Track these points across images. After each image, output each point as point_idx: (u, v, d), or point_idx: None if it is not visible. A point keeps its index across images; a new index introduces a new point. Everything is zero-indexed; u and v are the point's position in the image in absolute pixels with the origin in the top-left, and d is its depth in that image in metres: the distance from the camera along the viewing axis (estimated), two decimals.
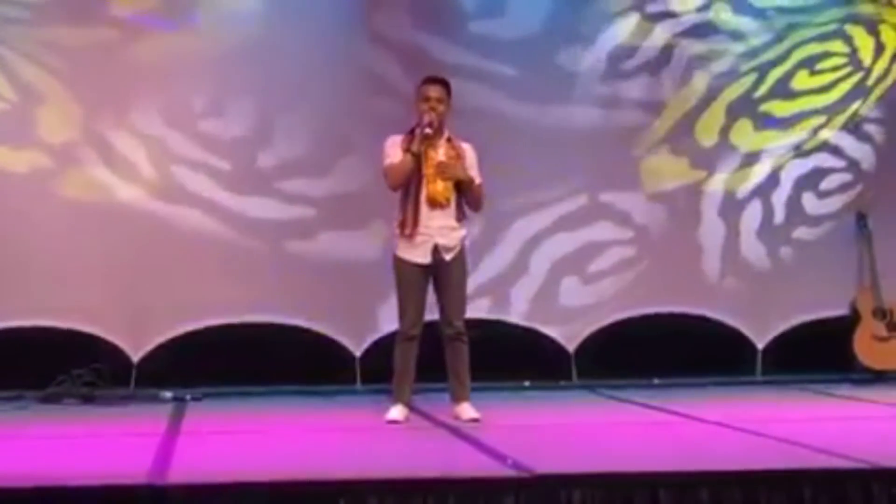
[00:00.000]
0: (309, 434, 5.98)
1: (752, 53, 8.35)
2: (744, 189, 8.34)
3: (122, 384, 7.48)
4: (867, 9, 8.49)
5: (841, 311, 8.30)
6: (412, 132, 6.20)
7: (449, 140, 6.25)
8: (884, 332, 8.22)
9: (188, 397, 7.30)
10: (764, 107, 8.37)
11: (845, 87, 8.44)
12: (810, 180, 8.43)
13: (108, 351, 7.61)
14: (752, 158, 8.36)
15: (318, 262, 7.81)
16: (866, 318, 8.21)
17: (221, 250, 7.77)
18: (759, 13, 8.38)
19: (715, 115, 8.31)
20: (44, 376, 7.32)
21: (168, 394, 7.33)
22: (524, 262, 8.10)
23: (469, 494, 4.24)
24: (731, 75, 8.33)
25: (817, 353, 8.18)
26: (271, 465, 4.78)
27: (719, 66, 8.30)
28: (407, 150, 6.14)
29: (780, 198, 8.38)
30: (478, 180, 6.26)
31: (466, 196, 6.23)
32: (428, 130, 6.12)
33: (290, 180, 7.86)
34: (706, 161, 8.31)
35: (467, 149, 6.29)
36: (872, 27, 8.49)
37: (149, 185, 7.74)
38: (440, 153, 6.19)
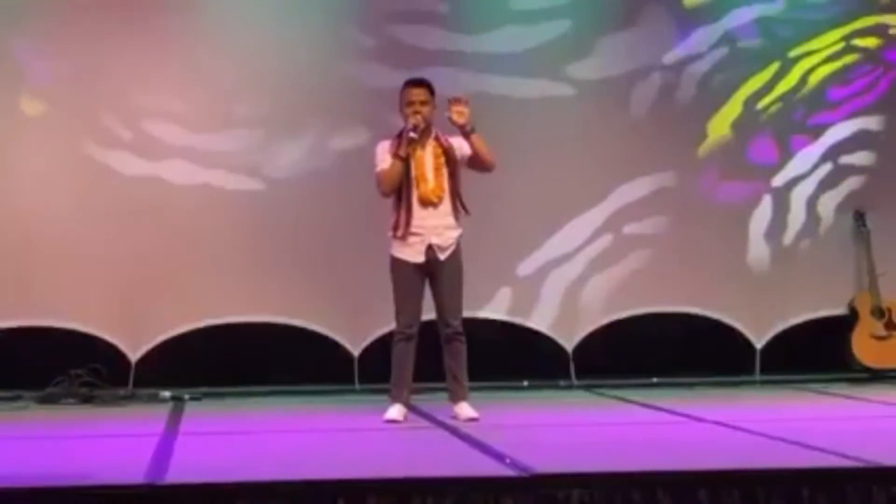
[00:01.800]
0: (307, 434, 5.98)
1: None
2: (746, 193, 8.33)
3: (120, 384, 7.48)
4: (869, 21, 8.46)
5: (839, 310, 8.30)
6: (400, 136, 6.23)
7: (437, 138, 6.27)
8: (882, 331, 8.22)
9: (186, 397, 7.30)
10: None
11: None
12: (818, 182, 8.44)
13: (106, 351, 7.60)
14: (759, 166, 8.38)
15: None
16: (864, 317, 8.21)
17: (221, 244, 7.76)
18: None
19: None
20: (42, 376, 7.32)
21: (166, 393, 7.34)
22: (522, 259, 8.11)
23: (468, 494, 4.24)
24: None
25: (816, 353, 8.19)
26: (270, 465, 4.78)
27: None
28: (395, 155, 6.16)
29: (782, 200, 8.37)
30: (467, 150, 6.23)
31: (476, 158, 6.19)
32: (412, 135, 6.15)
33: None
34: (713, 167, 8.31)
35: (454, 141, 6.28)
36: (883, 31, 8.47)
37: (140, 162, 7.74)
38: (429, 151, 6.21)
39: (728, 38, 8.31)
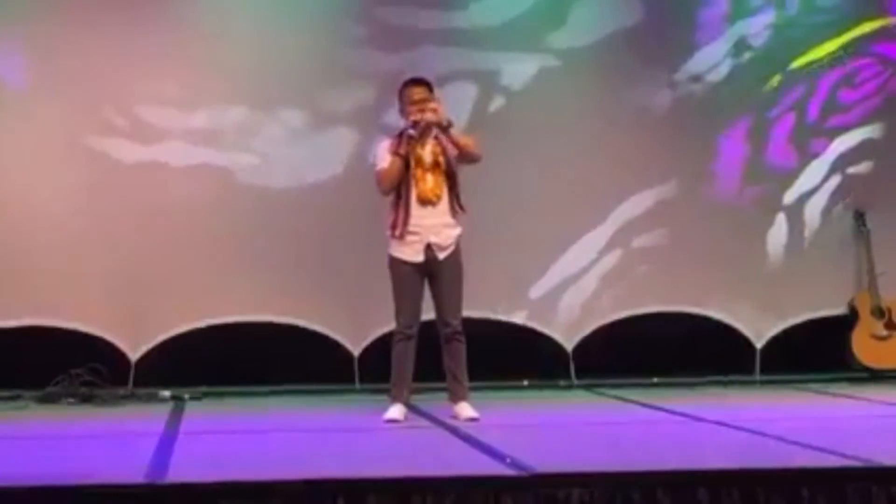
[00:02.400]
0: (308, 434, 5.98)
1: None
2: (747, 195, 8.33)
3: (120, 383, 7.47)
4: (874, 24, 8.45)
5: (839, 310, 8.30)
6: (401, 135, 6.23)
7: (436, 138, 6.26)
8: (882, 331, 8.22)
9: (187, 396, 7.30)
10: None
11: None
12: (820, 182, 8.45)
13: (106, 350, 7.60)
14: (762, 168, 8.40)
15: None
16: (864, 316, 8.22)
17: (221, 243, 7.76)
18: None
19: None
20: (42, 376, 7.31)
21: (166, 393, 7.34)
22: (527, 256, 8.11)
23: (468, 494, 4.24)
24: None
25: (815, 353, 8.20)
26: (270, 465, 4.78)
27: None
28: (395, 153, 6.16)
29: (783, 200, 8.37)
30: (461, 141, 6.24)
31: (459, 152, 6.17)
32: (412, 132, 6.14)
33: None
34: (716, 171, 8.32)
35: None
36: (888, 34, 8.46)
37: (140, 162, 7.72)
38: (428, 150, 6.21)
39: (735, 47, 8.31)
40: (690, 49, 8.29)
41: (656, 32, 8.23)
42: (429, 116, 6.15)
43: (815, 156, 8.39)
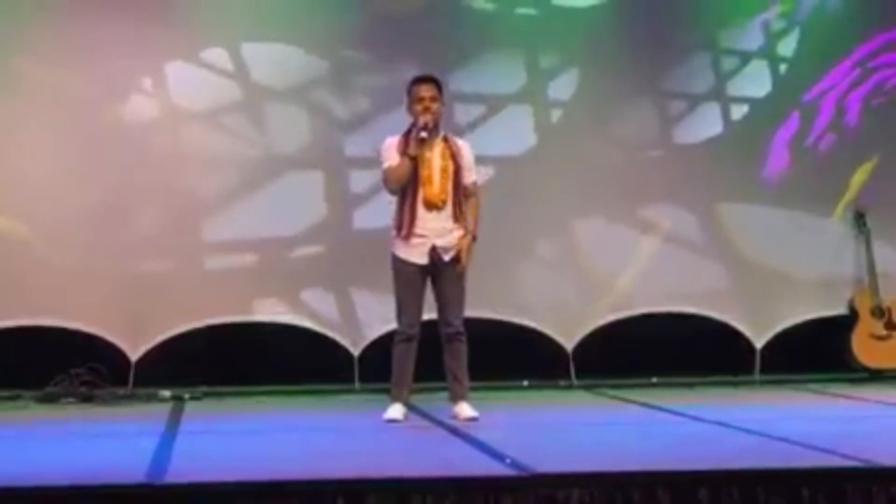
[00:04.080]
0: (308, 434, 5.98)
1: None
2: (747, 194, 8.34)
3: (120, 383, 7.47)
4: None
5: (839, 310, 8.30)
6: (408, 133, 6.18)
7: (445, 140, 6.24)
8: (881, 331, 8.23)
9: (187, 396, 7.30)
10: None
11: None
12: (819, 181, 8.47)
13: (106, 350, 7.60)
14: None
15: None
16: (864, 316, 8.22)
17: (221, 243, 7.76)
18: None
19: None
20: (42, 376, 7.31)
21: (166, 393, 7.34)
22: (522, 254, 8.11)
23: (468, 494, 4.24)
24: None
25: (815, 353, 8.20)
26: (270, 465, 4.78)
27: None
28: (404, 153, 6.13)
29: (783, 199, 8.38)
30: (472, 178, 6.24)
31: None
32: (423, 135, 6.09)
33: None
34: (720, 176, 8.34)
35: (463, 146, 6.28)
36: (890, 44, 8.49)
37: (139, 162, 7.71)
38: (437, 153, 6.17)
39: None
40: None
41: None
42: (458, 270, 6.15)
43: (813, 156, 8.40)
